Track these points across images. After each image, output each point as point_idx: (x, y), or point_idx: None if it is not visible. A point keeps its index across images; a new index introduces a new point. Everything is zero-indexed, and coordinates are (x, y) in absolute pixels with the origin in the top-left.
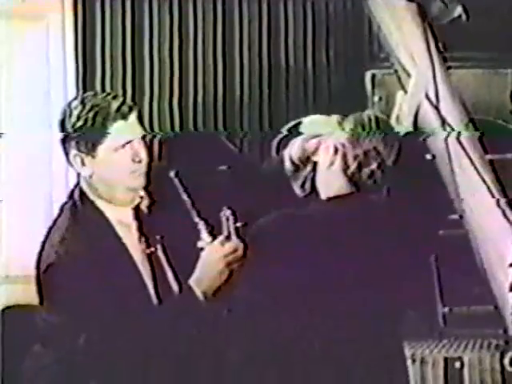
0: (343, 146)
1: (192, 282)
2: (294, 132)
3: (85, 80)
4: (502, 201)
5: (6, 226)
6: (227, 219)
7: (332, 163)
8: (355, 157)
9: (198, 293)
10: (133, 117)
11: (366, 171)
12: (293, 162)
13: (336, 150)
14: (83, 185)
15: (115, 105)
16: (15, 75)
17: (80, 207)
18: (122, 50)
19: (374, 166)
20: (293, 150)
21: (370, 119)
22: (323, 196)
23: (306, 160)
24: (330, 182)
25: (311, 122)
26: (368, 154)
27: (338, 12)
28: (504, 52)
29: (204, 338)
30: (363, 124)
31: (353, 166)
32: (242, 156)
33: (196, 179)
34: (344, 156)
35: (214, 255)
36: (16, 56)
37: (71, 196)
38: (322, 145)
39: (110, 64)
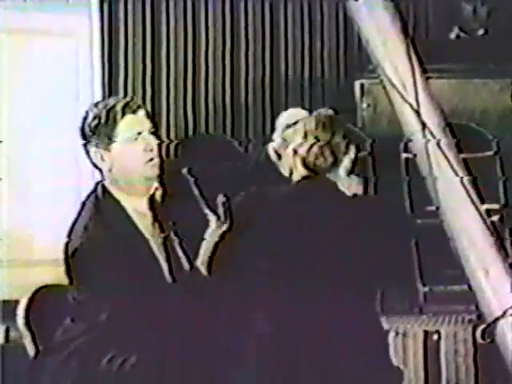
0: (301, 145)
1: (198, 263)
2: None
3: (110, 86)
4: (473, 193)
5: (40, 218)
6: (222, 204)
7: (295, 164)
8: (313, 153)
9: (203, 271)
10: (142, 112)
11: (311, 154)
12: (276, 152)
13: (295, 152)
14: (105, 179)
15: (123, 102)
16: (49, 82)
17: (101, 199)
18: (143, 64)
19: (315, 149)
20: (275, 142)
21: (310, 122)
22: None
23: (286, 148)
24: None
25: (286, 115)
26: (323, 148)
27: (332, 29)
28: (476, 64)
29: (211, 309)
30: (318, 123)
31: (311, 160)
32: (247, 155)
33: (206, 175)
34: (302, 155)
35: (212, 237)
36: (51, 66)
37: (95, 190)
38: (285, 151)
39: (132, 75)
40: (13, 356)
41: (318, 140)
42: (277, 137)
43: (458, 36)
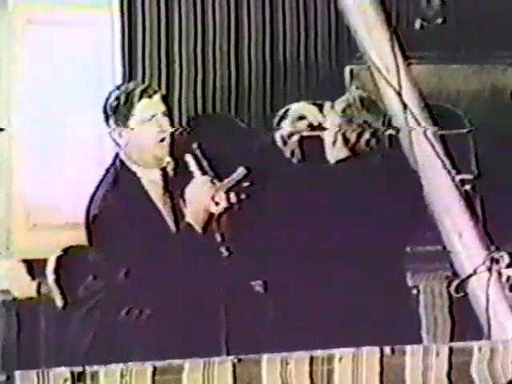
0: (340, 125)
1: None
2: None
3: (130, 71)
4: (448, 163)
5: (66, 188)
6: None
7: (335, 140)
8: (352, 131)
9: (198, 228)
10: (157, 97)
11: (362, 141)
12: (282, 138)
13: (337, 130)
14: (121, 153)
15: (142, 87)
16: (77, 67)
17: (119, 171)
18: (158, 48)
19: (367, 136)
20: (283, 129)
21: (354, 99)
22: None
23: (291, 135)
24: (337, 155)
25: (297, 108)
26: (361, 126)
27: (324, 22)
28: (451, 52)
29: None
30: (350, 104)
31: (352, 139)
32: (249, 131)
33: (214, 150)
34: (344, 133)
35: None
36: (76, 54)
37: (113, 163)
38: (326, 129)
39: (148, 58)
40: (44, 308)
41: (365, 123)
42: (286, 125)
43: (421, 26)
